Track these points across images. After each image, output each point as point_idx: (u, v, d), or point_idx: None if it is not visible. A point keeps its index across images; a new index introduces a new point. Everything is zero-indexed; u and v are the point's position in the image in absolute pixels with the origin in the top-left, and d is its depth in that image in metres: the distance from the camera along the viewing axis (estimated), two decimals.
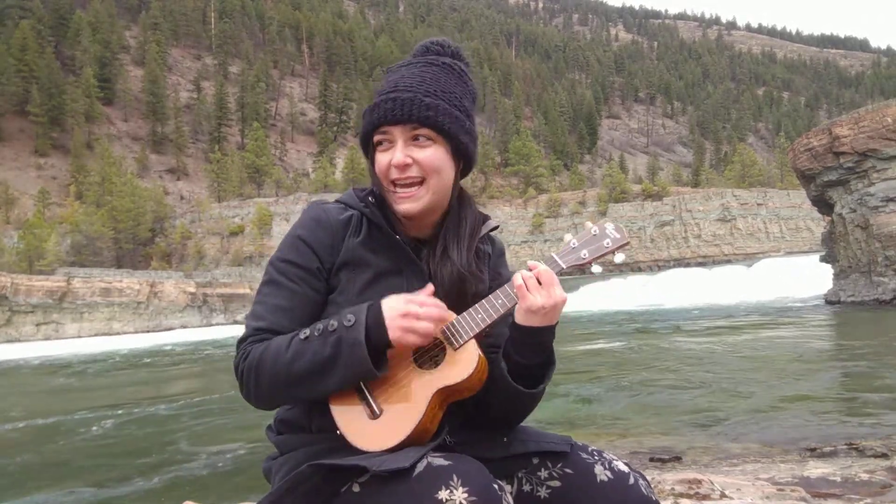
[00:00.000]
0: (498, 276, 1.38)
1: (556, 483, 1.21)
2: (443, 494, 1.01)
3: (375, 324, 1.14)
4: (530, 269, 1.20)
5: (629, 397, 9.66)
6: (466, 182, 1.42)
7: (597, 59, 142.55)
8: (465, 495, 1.01)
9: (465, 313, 1.21)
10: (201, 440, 9.00)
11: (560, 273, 1.22)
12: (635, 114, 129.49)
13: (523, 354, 1.23)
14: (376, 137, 1.29)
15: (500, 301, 1.21)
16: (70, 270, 43.43)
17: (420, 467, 1.06)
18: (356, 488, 1.11)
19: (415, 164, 1.25)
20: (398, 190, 1.27)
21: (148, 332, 39.83)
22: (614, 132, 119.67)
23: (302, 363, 1.15)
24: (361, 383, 1.19)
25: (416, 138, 1.25)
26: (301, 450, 1.24)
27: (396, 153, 1.25)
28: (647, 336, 18.67)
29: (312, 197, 52.59)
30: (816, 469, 4.46)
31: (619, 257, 1.24)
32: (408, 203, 1.27)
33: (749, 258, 50.94)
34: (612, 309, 30.39)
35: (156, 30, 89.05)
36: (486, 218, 1.40)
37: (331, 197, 1.42)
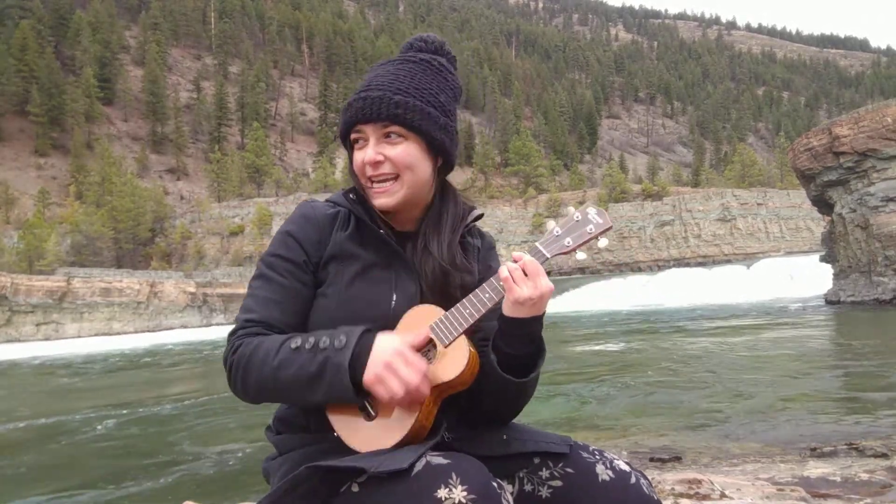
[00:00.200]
0: (488, 269, 1.39)
1: (558, 483, 1.21)
2: (442, 493, 1.01)
3: (359, 357, 1.15)
4: (515, 261, 1.20)
5: (629, 397, 9.65)
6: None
7: (597, 59, 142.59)
8: (465, 493, 1.01)
9: (452, 309, 1.21)
10: (203, 440, 9.00)
11: (545, 262, 1.22)
12: (635, 114, 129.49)
13: (513, 345, 1.23)
14: (352, 136, 1.32)
15: (487, 295, 1.21)
16: (70, 270, 43.46)
17: (419, 466, 1.06)
18: (355, 488, 1.11)
19: (387, 160, 1.28)
20: (374, 185, 1.30)
21: (148, 332, 39.84)
22: (614, 132, 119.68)
23: (288, 373, 1.16)
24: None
25: (387, 136, 1.28)
26: (299, 450, 1.24)
27: (368, 151, 1.28)
28: (647, 336, 18.65)
29: (313, 197, 52.58)
30: (816, 469, 4.45)
31: (603, 242, 1.23)
32: (383, 198, 1.29)
33: (749, 258, 50.88)
34: (613, 309, 30.41)
35: (156, 30, 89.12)
36: (471, 209, 1.41)
37: None
